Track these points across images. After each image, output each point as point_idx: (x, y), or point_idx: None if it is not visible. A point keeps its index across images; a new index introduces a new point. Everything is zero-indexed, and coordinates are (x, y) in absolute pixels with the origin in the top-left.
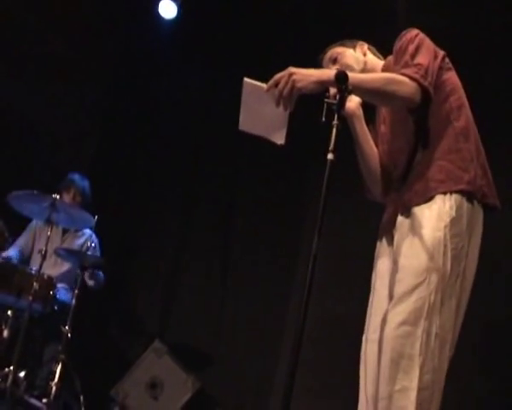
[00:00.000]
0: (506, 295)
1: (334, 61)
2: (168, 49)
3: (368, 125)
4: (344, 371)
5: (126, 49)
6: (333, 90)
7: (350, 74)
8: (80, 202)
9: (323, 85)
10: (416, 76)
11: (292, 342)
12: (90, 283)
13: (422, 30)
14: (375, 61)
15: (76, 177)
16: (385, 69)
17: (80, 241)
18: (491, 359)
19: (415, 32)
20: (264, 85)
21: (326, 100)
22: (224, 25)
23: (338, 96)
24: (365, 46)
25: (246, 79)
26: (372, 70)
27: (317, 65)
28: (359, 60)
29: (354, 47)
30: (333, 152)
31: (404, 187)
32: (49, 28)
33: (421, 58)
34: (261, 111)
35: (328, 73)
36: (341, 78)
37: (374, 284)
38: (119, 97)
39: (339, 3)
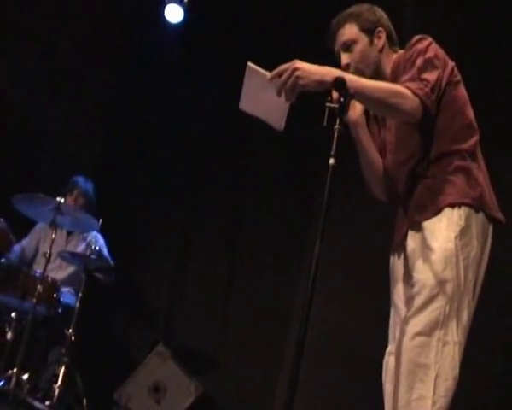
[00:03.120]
0: None
1: (347, 48)
2: (174, 53)
3: (368, 123)
4: (345, 379)
5: (132, 52)
6: (336, 93)
7: (354, 79)
8: (83, 204)
9: (326, 86)
10: (420, 93)
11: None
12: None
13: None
14: (388, 58)
15: (79, 179)
16: (395, 69)
17: (84, 244)
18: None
19: (426, 42)
20: (267, 73)
21: (327, 104)
22: (230, 28)
23: (340, 101)
24: (383, 36)
25: (249, 64)
26: (383, 69)
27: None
28: (372, 59)
29: (372, 35)
30: (334, 157)
31: (412, 202)
32: (55, 30)
33: (429, 73)
34: (262, 96)
35: (332, 73)
36: (339, 84)
37: (392, 298)
38: (124, 100)
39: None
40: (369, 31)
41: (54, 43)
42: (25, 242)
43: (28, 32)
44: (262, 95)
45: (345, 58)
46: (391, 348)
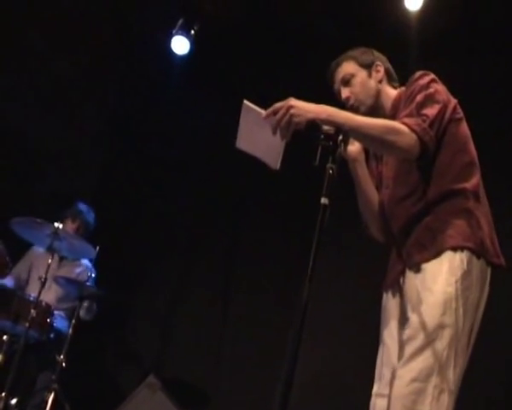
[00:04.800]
0: None
1: (346, 83)
2: (179, 84)
3: (368, 160)
4: None
5: (136, 79)
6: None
7: (350, 117)
8: (82, 233)
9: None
10: (417, 129)
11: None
12: (85, 316)
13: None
14: (388, 91)
15: (84, 208)
16: (395, 104)
17: (78, 270)
18: None
19: (428, 78)
20: (262, 111)
21: (320, 142)
22: (235, 62)
23: (332, 140)
24: (382, 69)
25: (245, 102)
26: (384, 102)
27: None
28: (371, 90)
29: (370, 68)
30: (326, 196)
31: (410, 241)
32: (59, 53)
33: (429, 109)
34: (258, 135)
35: (327, 111)
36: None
37: (382, 336)
38: (126, 127)
39: (351, 44)
40: (367, 65)
41: (59, 67)
42: (18, 269)
43: (33, 55)
44: (258, 133)
45: (344, 92)
46: (377, 388)
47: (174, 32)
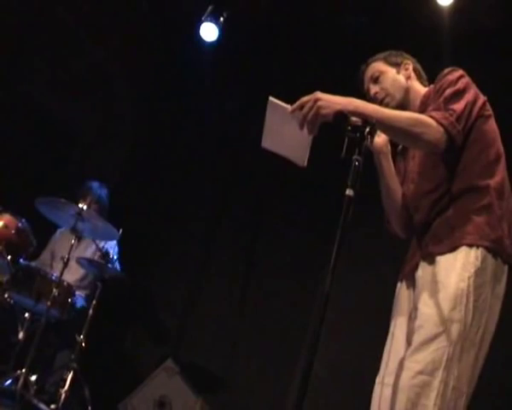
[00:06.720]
0: None
1: (376, 80)
2: (207, 71)
3: (395, 158)
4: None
5: (165, 67)
6: (358, 121)
7: (377, 109)
8: (96, 209)
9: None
10: (444, 122)
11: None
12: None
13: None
14: (417, 87)
15: (93, 184)
16: (424, 100)
17: (94, 248)
18: None
19: (457, 73)
20: (288, 107)
21: (347, 134)
22: (264, 49)
23: (359, 131)
24: (410, 67)
25: (271, 98)
26: (413, 99)
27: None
28: (401, 85)
29: (398, 66)
30: (352, 188)
31: (428, 233)
32: (91, 39)
33: (457, 104)
34: (284, 131)
35: (354, 103)
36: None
37: (391, 326)
38: (154, 113)
39: (381, 39)
40: (396, 64)
41: (90, 53)
42: (42, 257)
43: (63, 35)
44: (284, 130)
45: (374, 88)
46: (385, 378)
47: (203, 18)
